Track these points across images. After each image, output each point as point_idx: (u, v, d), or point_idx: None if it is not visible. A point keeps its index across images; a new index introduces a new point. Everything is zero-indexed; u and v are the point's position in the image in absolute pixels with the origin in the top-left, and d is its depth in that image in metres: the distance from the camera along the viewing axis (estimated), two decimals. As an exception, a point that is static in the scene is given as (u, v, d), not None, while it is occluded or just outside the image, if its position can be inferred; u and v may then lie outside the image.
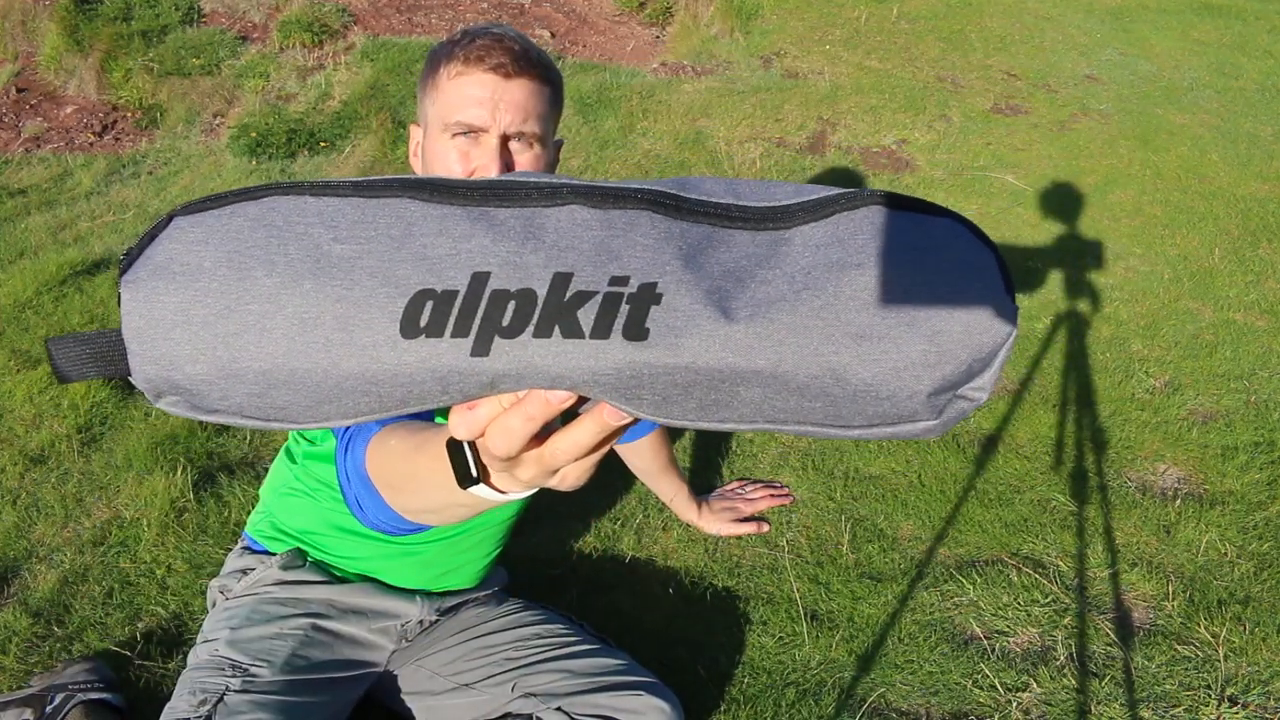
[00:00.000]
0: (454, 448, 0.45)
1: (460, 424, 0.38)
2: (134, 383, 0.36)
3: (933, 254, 0.35)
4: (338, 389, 0.35)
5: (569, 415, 0.37)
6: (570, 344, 0.33)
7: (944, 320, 0.34)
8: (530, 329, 0.33)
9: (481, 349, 0.33)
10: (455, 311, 0.33)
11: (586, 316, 0.33)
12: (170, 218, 0.35)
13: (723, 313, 0.33)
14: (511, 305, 0.33)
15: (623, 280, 0.33)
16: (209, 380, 0.35)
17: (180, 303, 0.34)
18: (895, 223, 0.35)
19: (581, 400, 0.37)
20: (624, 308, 0.33)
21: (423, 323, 0.33)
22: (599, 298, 0.33)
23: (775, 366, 0.34)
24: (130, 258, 0.35)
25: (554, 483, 0.42)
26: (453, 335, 0.33)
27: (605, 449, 0.40)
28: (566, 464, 0.40)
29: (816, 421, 0.36)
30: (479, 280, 0.33)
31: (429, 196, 0.35)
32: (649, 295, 0.33)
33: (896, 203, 0.36)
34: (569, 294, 0.33)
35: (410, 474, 0.54)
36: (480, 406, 0.37)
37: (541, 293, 0.33)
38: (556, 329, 0.33)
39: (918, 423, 0.36)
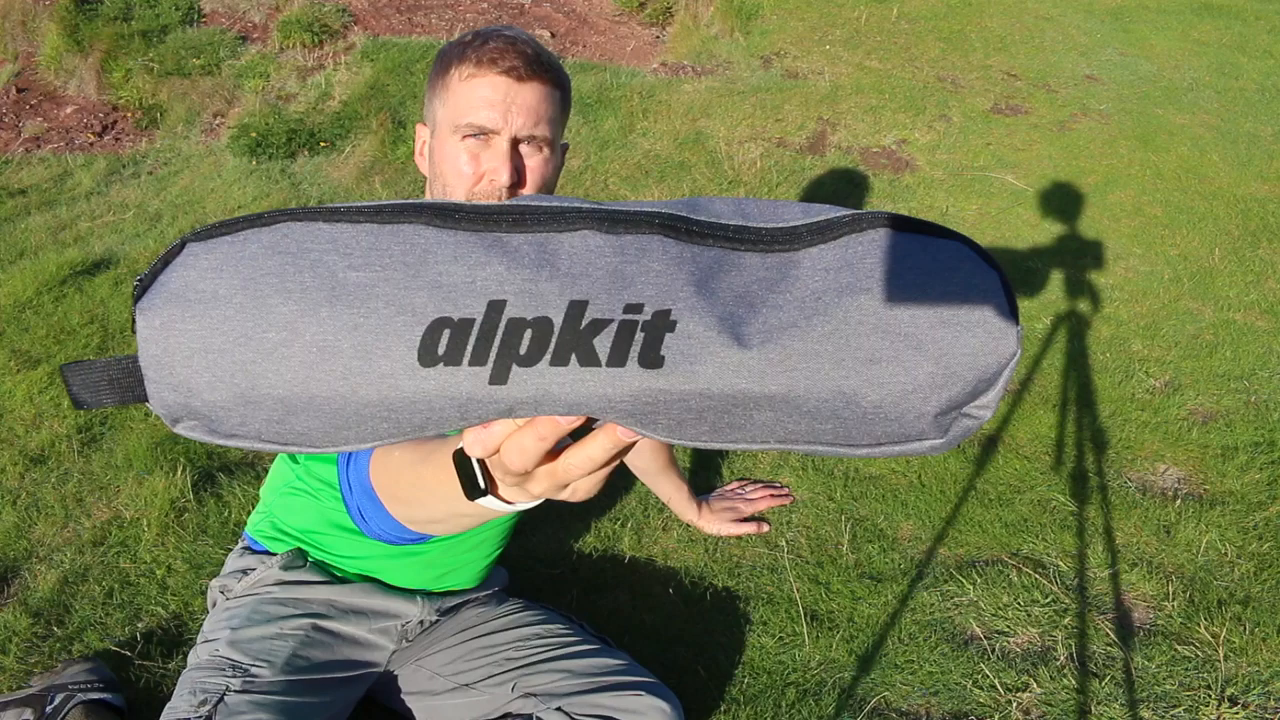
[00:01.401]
0: (461, 459, 0.45)
1: (475, 442, 0.39)
2: (151, 408, 0.36)
3: (939, 276, 0.35)
4: (356, 415, 0.35)
5: (581, 430, 0.38)
6: (587, 372, 0.34)
7: (951, 343, 0.35)
8: (547, 357, 0.34)
9: (500, 377, 0.34)
10: (472, 340, 0.34)
11: (603, 344, 0.34)
12: (183, 243, 0.35)
13: (736, 339, 0.34)
14: (528, 334, 0.34)
15: (637, 307, 0.34)
16: (227, 407, 0.35)
17: (198, 330, 0.34)
18: (903, 245, 0.36)
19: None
20: (639, 335, 0.34)
21: (440, 351, 0.34)
22: (614, 325, 0.34)
23: (788, 391, 0.35)
24: (144, 284, 0.35)
25: (564, 495, 0.42)
26: (470, 364, 0.34)
27: (616, 463, 0.40)
28: (578, 478, 0.40)
29: (826, 442, 0.37)
30: (495, 309, 0.34)
31: (442, 222, 0.35)
32: (663, 322, 0.34)
33: (903, 225, 0.36)
34: (585, 322, 0.34)
35: (415, 485, 0.55)
36: (495, 425, 0.38)
37: (558, 321, 0.34)
38: (573, 357, 0.34)
39: (924, 441, 0.37)
